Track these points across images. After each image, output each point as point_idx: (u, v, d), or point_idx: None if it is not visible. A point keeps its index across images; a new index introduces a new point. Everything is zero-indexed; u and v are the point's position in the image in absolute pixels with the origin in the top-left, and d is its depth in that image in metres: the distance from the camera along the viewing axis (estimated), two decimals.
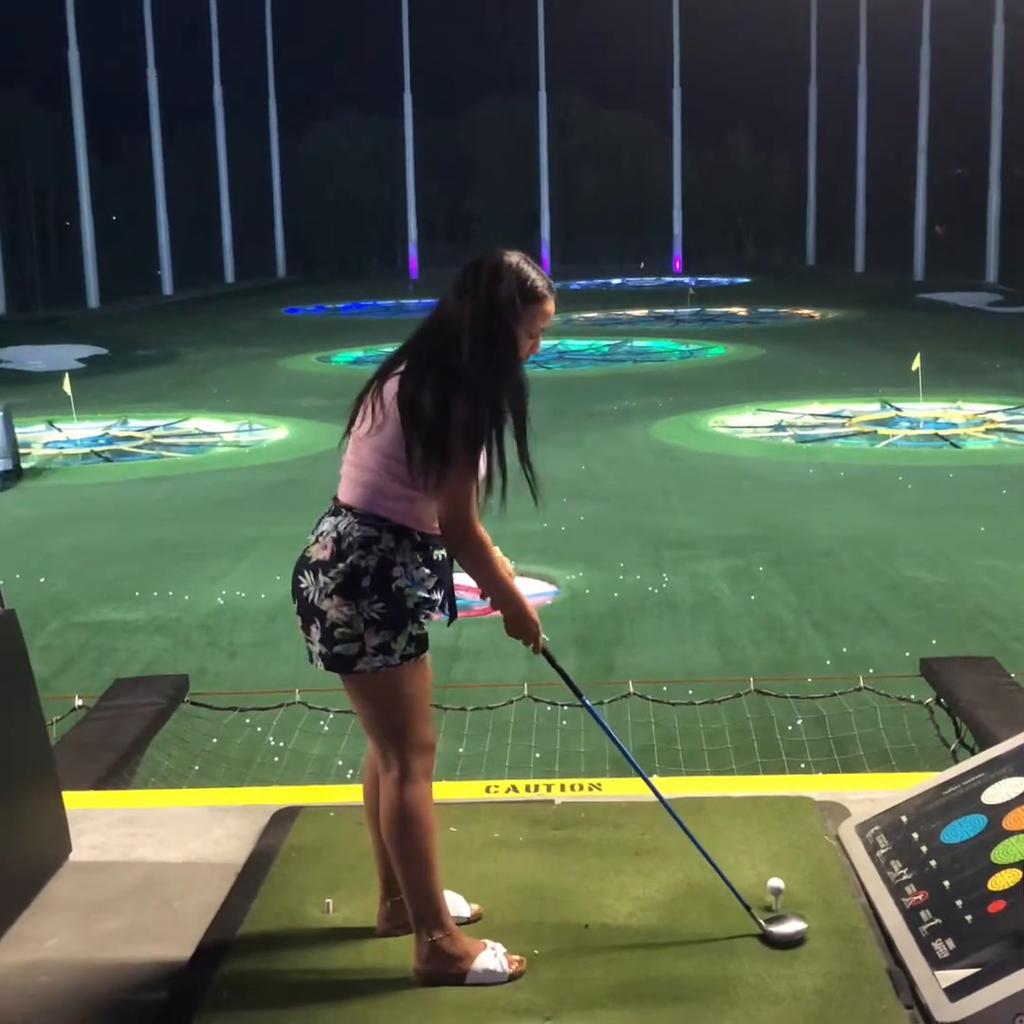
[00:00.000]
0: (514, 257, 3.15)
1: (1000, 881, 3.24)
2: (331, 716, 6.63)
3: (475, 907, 3.51)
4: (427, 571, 3.14)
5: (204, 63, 51.81)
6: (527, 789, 4.40)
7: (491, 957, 3.19)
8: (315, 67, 57.43)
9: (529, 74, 53.67)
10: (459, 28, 55.15)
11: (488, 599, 3.25)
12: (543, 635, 3.30)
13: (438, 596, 3.18)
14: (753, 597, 9.60)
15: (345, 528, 3.12)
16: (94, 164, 44.38)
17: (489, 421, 3.06)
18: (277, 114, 56.38)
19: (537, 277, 3.14)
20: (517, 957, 3.23)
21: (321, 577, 3.11)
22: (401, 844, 3.18)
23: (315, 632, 3.15)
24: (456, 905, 3.46)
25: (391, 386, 3.15)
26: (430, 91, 54.97)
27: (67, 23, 42.65)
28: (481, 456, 3.08)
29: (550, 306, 3.17)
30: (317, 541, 3.16)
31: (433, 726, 3.30)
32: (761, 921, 3.34)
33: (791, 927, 3.32)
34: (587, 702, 3.46)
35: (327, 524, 3.17)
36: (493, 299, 3.08)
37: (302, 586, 3.17)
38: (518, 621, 3.23)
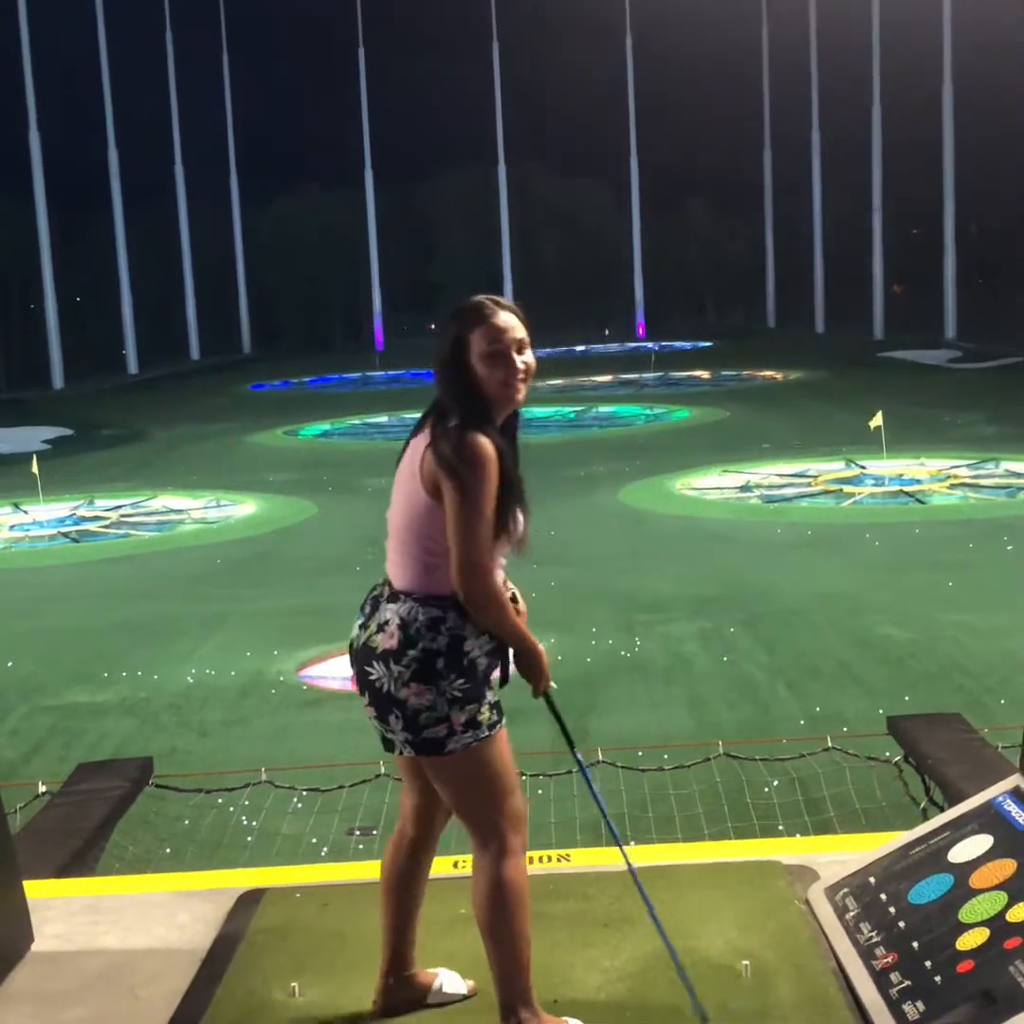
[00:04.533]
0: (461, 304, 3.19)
1: (968, 941, 3.24)
2: (301, 793, 6.58)
3: (470, 983, 3.49)
4: (487, 636, 3.14)
5: (164, 142, 52.30)
6: None
7: None
8: (275, 142, 58.07)
9: (488, 145, 54.43)
10: (418, 100, 55.99)
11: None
12: (552, 681, 3.28)
13: (497, 660, 3.18)
14: (725, 658, 9.59)
15: (408, 613, 3.09)
16: (56, 245, 44.53)
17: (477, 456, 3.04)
18: (238, 190, 56.81)
19: (475, 302, 3.16)
20: None
21: (394, 667, 3.08)
22: (500, 922, 3.14)
23: (396, 722, 3.11)
24: (452, 982, 3.47)
25: (408, 460, 3.18)
26: (390, 163, 55.66)
27: (27, 106, 43.00)
28: (494, 496, 3.06)
29: (498, 320, 3.13)
30: (380, 630, 3.12)
31: (522, 796, 3.26)
32: (704, 1011, 3.24)
33: None
34: (579, 756, 3.45)
35: (388, 612, 3.13)
36: (442, 340, 3.15)
37: (373, 677, 3.12)
38: (531, 657, 3.20)
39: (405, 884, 3.38)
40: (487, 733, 3.13)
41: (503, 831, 3.16)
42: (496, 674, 3.19)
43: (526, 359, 3.17)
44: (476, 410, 3.10)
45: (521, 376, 3.15)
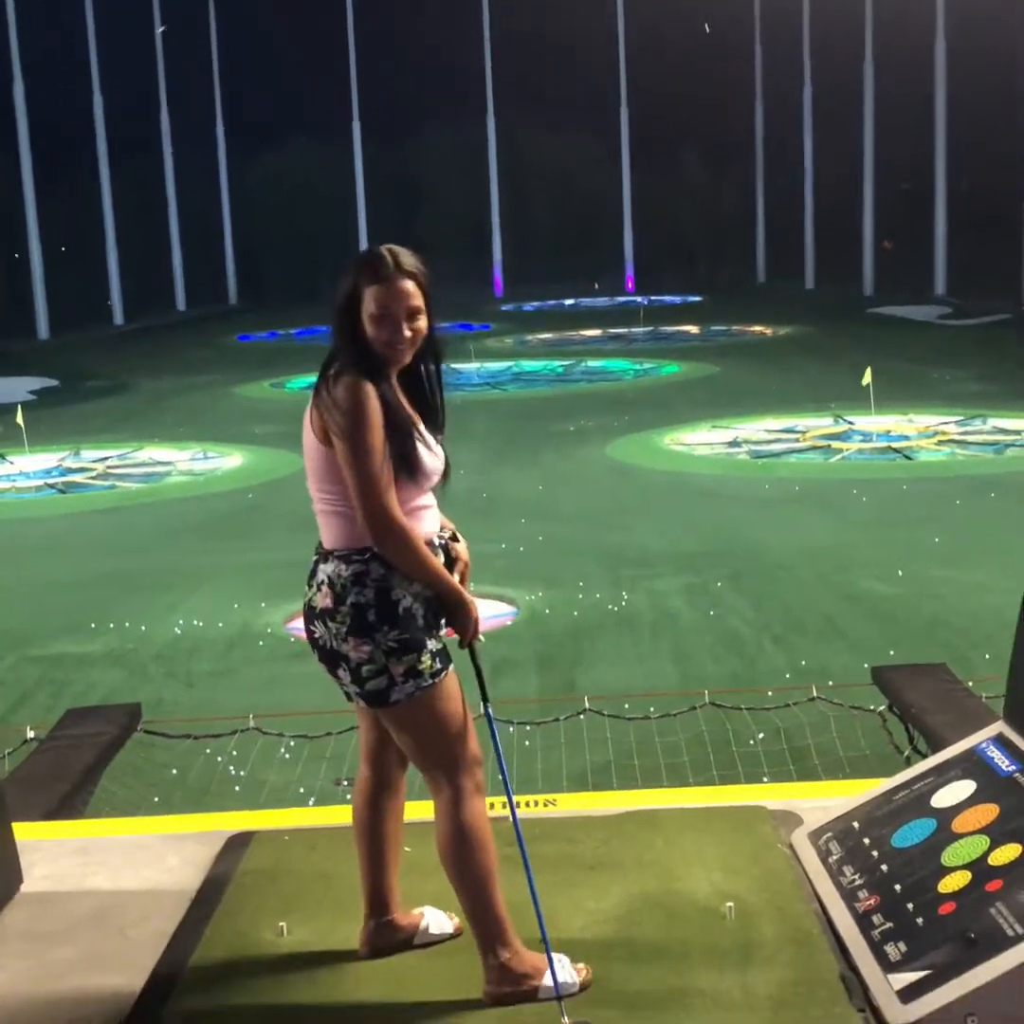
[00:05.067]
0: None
1: (950, 883, 3.28)
2: (288, 741, 6.61)
3: (456, 922, 3.52)
4: (419, 584, 3.14)
5: (150, 91, 51.71)
6: None
7: (560, 970, 3.18)
8: (263, 93, 57.42)
9: (477, 98, 53.91)
10: (406, 53, 55.28)
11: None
12: (480, 635, 3.28)
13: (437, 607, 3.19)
14: (711, 612, 9.63)
15: (334, 571, 3.15)
16: (41, 194, 44.09)
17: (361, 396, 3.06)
18: (225, 141, 56.27)
19: (375, 256, 3.17)
20: (581, 966, 3.23)
21: (331, 624, 3.14)
22: (462, 865, 3.18)
23: (344, 675, 3.18)
24: (438, 922, 3.51)
25: (308, 414, 3.22)
26: (378, 116, 55.06)
27: (11, 55, 42.48)
28: (381, 438, 3.05)
29: (393, 286, 3.14)
30: (318, 590, 3.18)
31: (475, 739, 3.28)
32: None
33: None
34: (489, 710, 3.38)
35: (320, 572, 3.19)
36: (340, 286, 3.22)
37: (316, 636, 3.20)
38: (455, 604, 3.18)
39: (372, 827, 3.42)
40: (429, 682, 3.14)
41: (456, 775, 3.19)
42: (449, 631, 3.22)
43: (416, 326, 3.18)
44: (360, 360, 3.14)
45: (403, 345, 3.17)
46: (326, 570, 3.17)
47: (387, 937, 3.40)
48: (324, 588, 3.16)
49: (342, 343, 3.19)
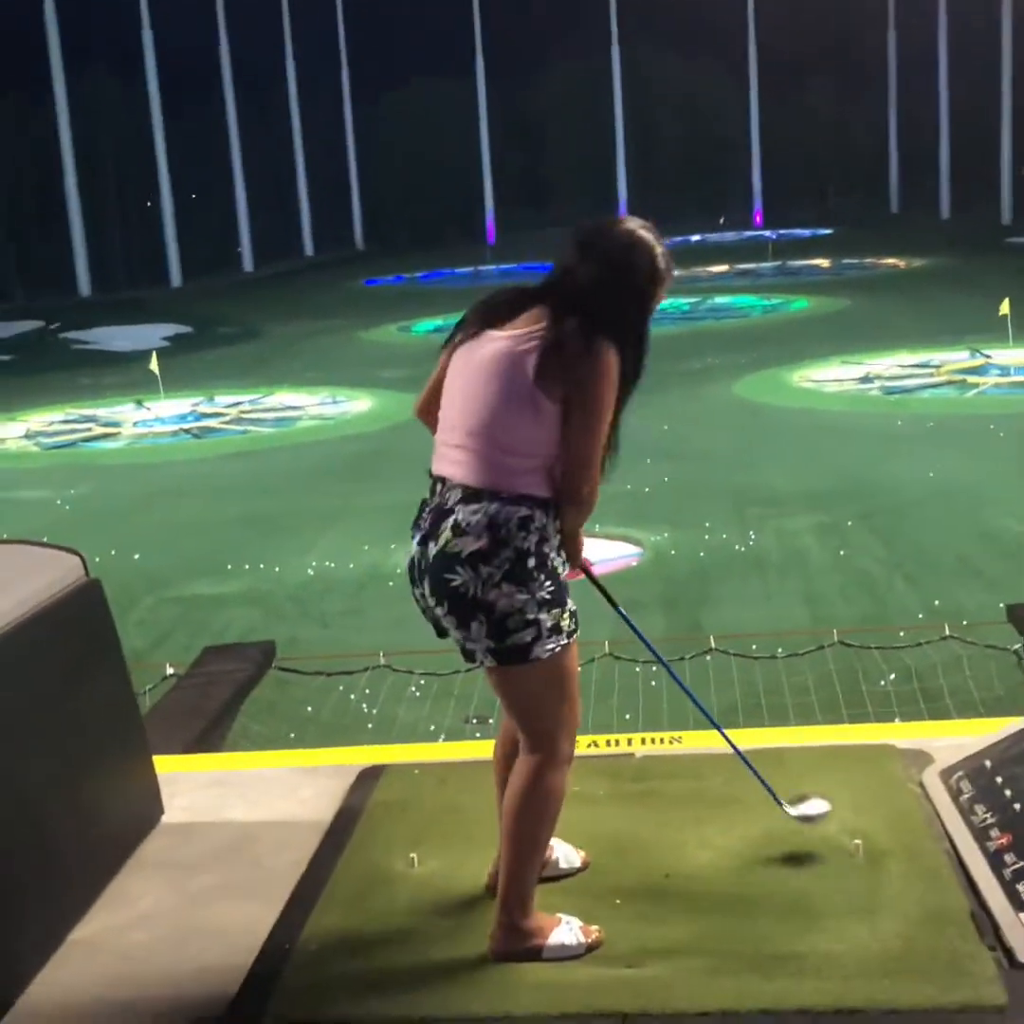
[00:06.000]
0: (647, 233, 3.13)
1: None
2: (418, 679, 6.72)
3: (583, 855, 3.57)
4: (557, 540, 3.14)
5: (277, 36, 51.96)
6: (607, 744, 4.42)
7: (566, 932, 3.20)
8: (386, 34, 57.27)
9: (601, 30, 53.11)
10: None
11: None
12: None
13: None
14: (842, 552, 9.51)
15: (498, 513, 3.02)
16: (172, 143, 44.75)
17: (626, 373, 3.07)
18: (350, 82, 56.40)
19: (665, 257, 3.14)
20: (594, 928, 3.23)
21: (484, 568, 3.01)
22: (525, 824, 3.15)
23: (478, 628, 3.04)
24: (567, 856, 3.54)
25: (494, 355, 3.09)
26: (502, 53, 54.57)
27: (140, 3, 42.99)
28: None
29: (670, 283, 3.19)
30: (460, 534, 3.04)
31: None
32: (783, 803, 3.52)
33: (812, 808, 3.53)
34: (622, 611, 3.46)
35: (466, 514, 3.05)
36: (628, 268, 3.08)
37: (456, 584, 3.03)
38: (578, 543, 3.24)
39: (511, 763, 3.43)
40: (566, 641, 3.11)
41: (559, 738, 3.16)
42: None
43: None
44: (626, 341, 3.06)
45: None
46: (484, 510, 3.03)
47: None
48: (478, 529, 3.02)
49: (624, 320, 3.08)
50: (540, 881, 3.35)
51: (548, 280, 3.16)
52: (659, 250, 3.13)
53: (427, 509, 3.18)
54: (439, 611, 3.10)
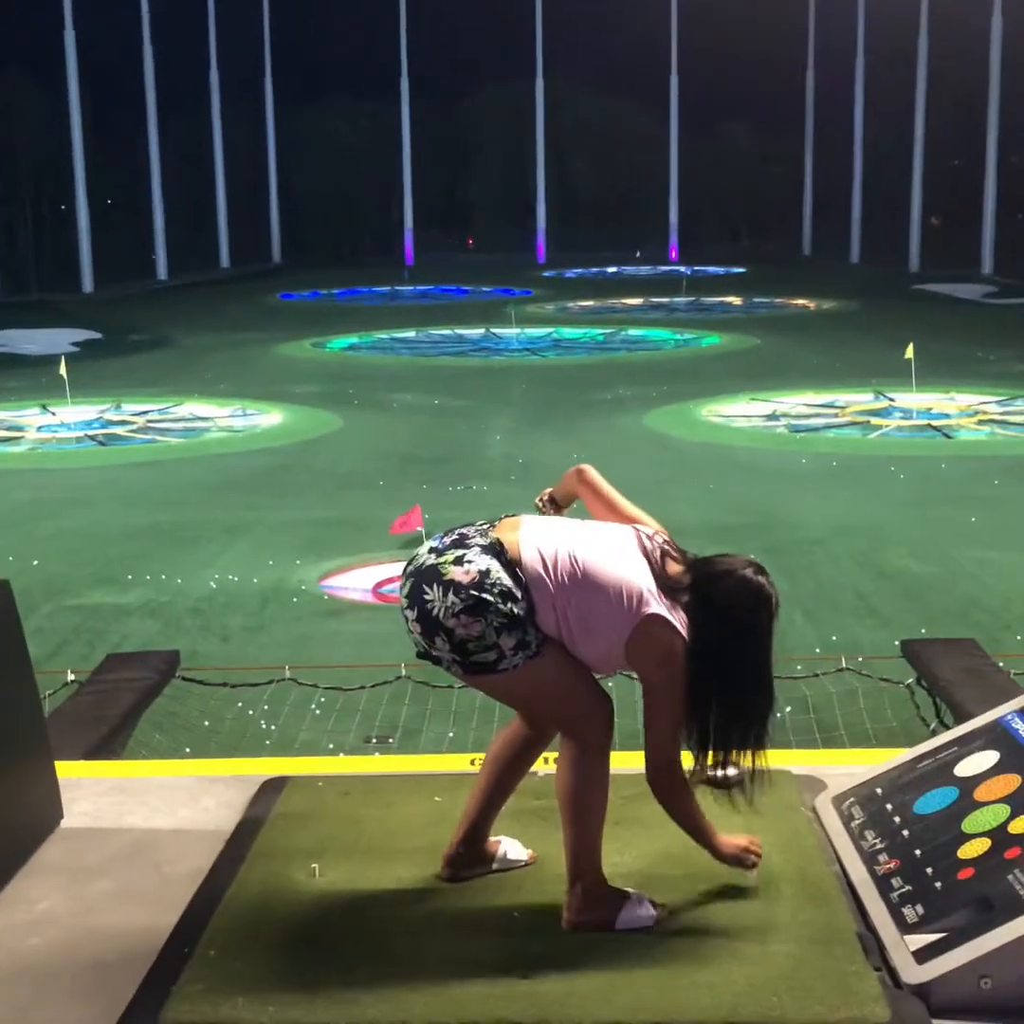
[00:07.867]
0: (763, 579, 3.32)
1: (969, 850, 3.33)
2: (323, 693, 6.70)
3: (530, 852, 3.69)
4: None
5: (200, 46, 51.63)
6: None
7: (637, 904, 3.34)
8: (311, 50, 57.22)
9: (526, 60, 53.55)
10: (457, 13, 54.91)
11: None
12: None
13: None
14: None
15: (496, 574, 3.15)
16: (90, 148, 44.18)
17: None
18: (273, 98, 56.18)
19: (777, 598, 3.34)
20: (663, 904, 3.36)
21: (451, 597, 3.12)
22: (581, 805, 3.30)
23: (442, 644, 3.18)
24: (515, 850, 3.67)
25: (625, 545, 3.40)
26: (427, 76, 54.82)
27: (63, 5, 42.46)
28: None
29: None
30: (459, 564, 3.15)
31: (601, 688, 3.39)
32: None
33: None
34: None
35: (482, 559, 3.17)
36: (755, 629, 3.28)
37: (428, 598, 3.16)
38: (723, 856, 3.45)
39: (508, 764, 3.58)
40: (535, 651, 3.19)
41: (578, 729, 3.31)
42: None
43: None
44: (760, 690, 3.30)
45: None
46: (492, 564, 3.16)
47: (471, 860, 3.57)
48: (472, 570, 3.13)
49: (732, 662, 3.26)
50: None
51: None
52: (775, 596, 3.33)
53: (463, 529, 3.31)
54: (409, 614, 3.23)
